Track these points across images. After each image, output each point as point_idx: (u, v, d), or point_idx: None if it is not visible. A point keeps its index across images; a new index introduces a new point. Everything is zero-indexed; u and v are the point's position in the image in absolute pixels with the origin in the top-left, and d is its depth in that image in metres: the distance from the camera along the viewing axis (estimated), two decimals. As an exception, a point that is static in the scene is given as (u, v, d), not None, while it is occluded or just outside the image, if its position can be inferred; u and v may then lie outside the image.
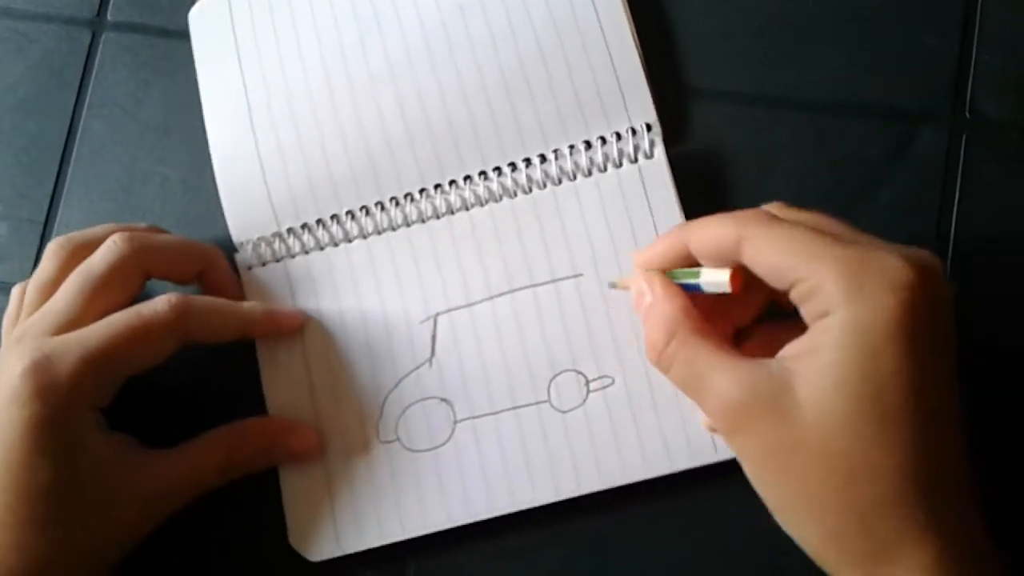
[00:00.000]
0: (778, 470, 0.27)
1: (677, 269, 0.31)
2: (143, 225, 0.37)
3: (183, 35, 0.40)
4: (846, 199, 0.36)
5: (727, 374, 0.27)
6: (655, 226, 0.35)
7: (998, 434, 0.33)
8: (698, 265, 0.30)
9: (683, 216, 0.35)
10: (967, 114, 0.36)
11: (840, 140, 0.37)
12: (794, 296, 0.27)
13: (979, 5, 0.37)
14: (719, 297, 0.30)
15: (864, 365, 0.25)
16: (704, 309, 0.30)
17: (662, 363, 0.29)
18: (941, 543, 0.25)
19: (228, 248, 0.38)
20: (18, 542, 0.30)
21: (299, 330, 0.36)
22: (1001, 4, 0.37)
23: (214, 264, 0.36)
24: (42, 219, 0.40)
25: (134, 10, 0.41)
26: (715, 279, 0.29)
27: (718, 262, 0.29)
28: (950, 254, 0.35)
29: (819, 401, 0.26)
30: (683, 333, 0.29)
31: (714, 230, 0.29)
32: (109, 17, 0.41)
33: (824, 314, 0.26)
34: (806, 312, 0.27)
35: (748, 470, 0.28)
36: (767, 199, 0.36)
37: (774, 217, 0.28)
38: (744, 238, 0.28)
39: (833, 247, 0.27)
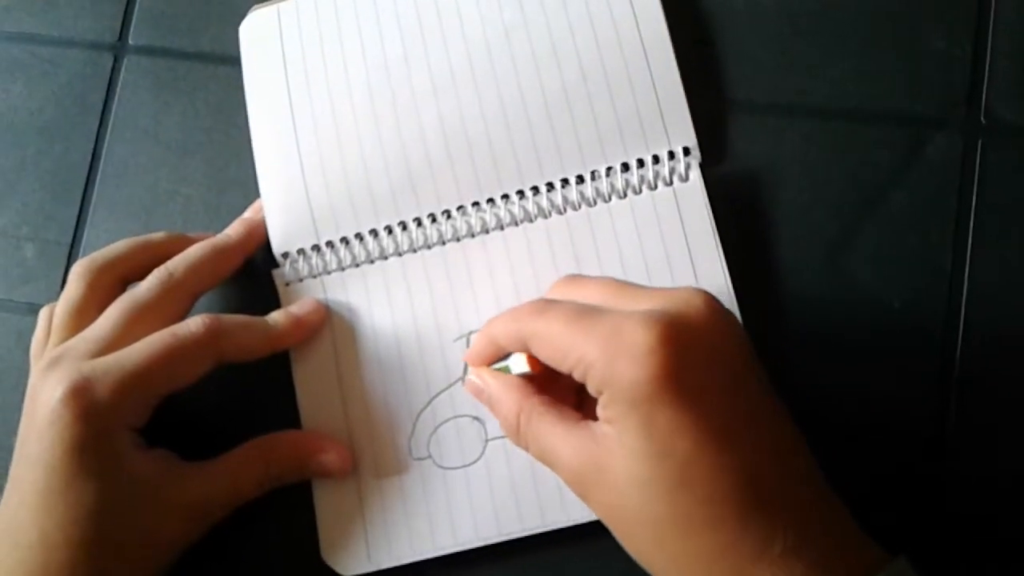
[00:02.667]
0: (618, 532, 0.27)
1: (495, 364, 0.32)
2: (162, 234, 0.37)
3: (203, 57, 0.40)
4: (860, 205, 0.36)
5: (566, 444, 0.28)
6: (689, 249, 0.35)
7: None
8: None
9: (718, 239, 0.34)
10: (982, 119, 0.36)
11: (853, 146, 0.36)
12: (576, 377, 0.28)
13: (992, 9, 0.37)
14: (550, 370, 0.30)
15: (644, 431, 0.26)
16: (544, 383, 0.30)
17: (520, 442, 0.30)
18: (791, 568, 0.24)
19: (262, 263, 0.38)
20: (69, 560, 0.30)
21: (324, 324, 0.36)
22: (1016, 8, 0.36)
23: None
24: (68, 240, 0.39)
25: (155, 34, 0.41)
26: (518, 366, 0.30)
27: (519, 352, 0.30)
28: (968, 261, 0.35)
29: (625, 468, 0.26)
30: (527, 410, 0.29)
31: (504, 328, 0.30)
32: (131, 41, 0.41)
33: (600, 391, 0.27)
34: (590, 389, 0.27)
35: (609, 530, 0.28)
36: (789, 215, 0.35)
37: (546, 305, 0.29)
38: (525, 335, 0.29)
39: (587, 327, 0.27)
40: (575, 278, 0.32)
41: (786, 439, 0.27)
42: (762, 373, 0.28)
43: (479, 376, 0.32)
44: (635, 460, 0.26)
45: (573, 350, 0.27)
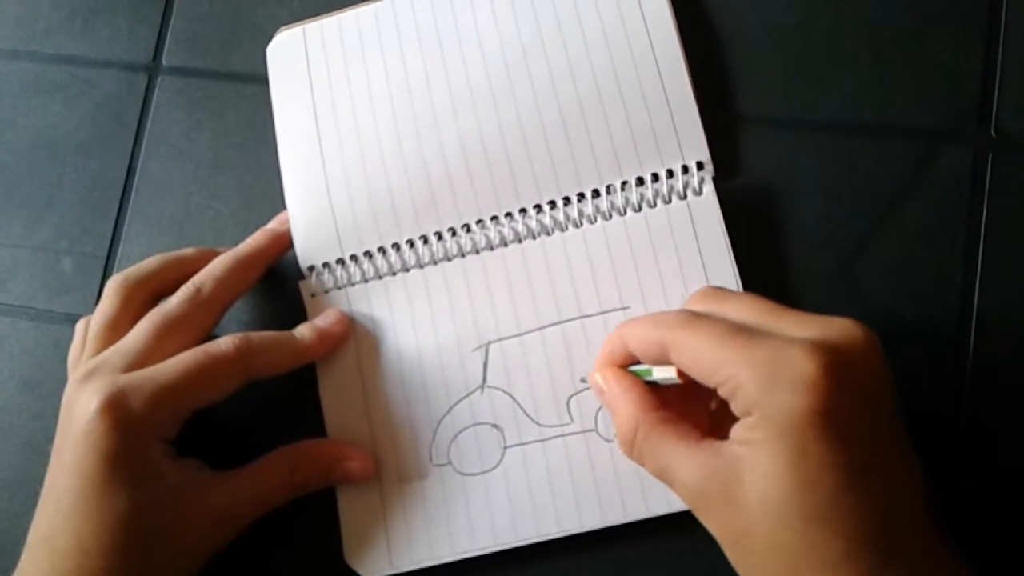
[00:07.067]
0: (739, 554, 0.26)
1: (634, 367, 0.30)
2: (193, 250, 0.37)
3: (233, 77, 0.40)
4: (871, 218, 0.35)
5: (688, 463, 0.27)
6: (703, 261, 0.34)
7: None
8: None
9: (731, 251, 0.34)
10: (992, 133, 0.35)
11: (865, 159, 0.36)
12: (721, 394, 0.27)
13: (1002, 24, 0.36)
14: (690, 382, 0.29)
15: (792, 460, 0.25)
16: (681, 391, 0.29)
17: (634, 457, 0.29)
18: None
19: (290, 275, 0.38)
20: (103, 566, 0.30)
21: (349, 335, 0.36)
22: (1025, 25, 0.36)
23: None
24: (104, 254, 0.40)
25: (187, 55, 0.41)
26: (665, 374, 0.29)
27: (655, 363, 0.29)
28: (978, 273, 0.34)
29: (761, 492, 0.25)
30: (645, 426, 0.28)
31: (644, 335, 0.29)
32: (164, 62, 0.41)
33: (748, 412, 0.26)
34: (734, 408, 0.26)
35: (723, 549, 0.27)
36: (802, 228, 0.35)
37: (694, 317, 0.28)
38: (668, 344, 0.28)
39: (745, 348, 0.26)
40: (718, 291, 0.30)
41: (919, 482, 0.26)
42: (899, 413, 0.27)
43: (604, 376, 0.30)
44: (775, 487, 0.25)
45: (724, 368, 0.26)
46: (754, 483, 0.25)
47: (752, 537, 0.25)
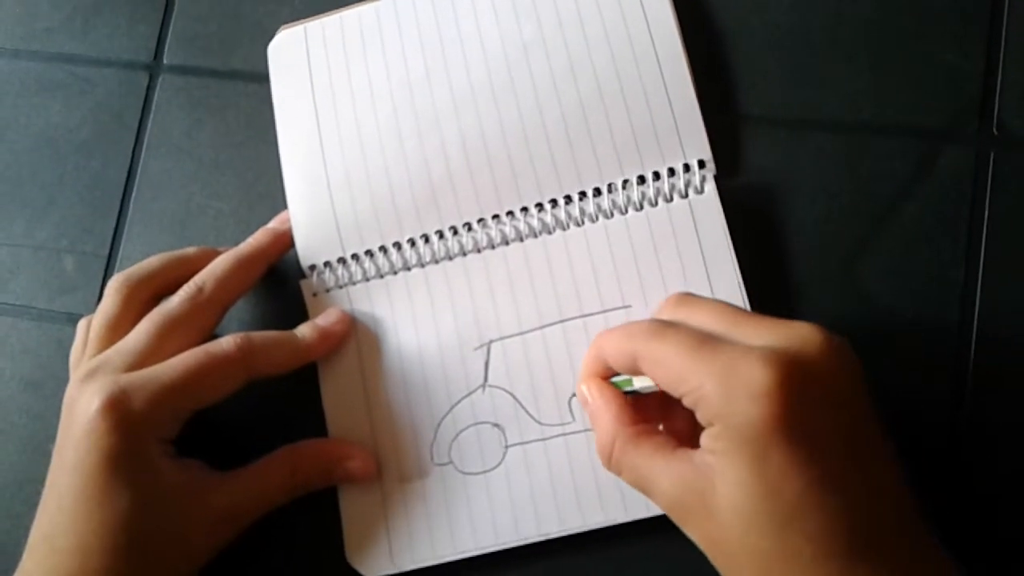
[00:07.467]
0: (719, 559, 0.27)
1: (616, 378, 0.31)
2: (194, 249, 0.37)
3: (234, 75, 0.40)
4: (872, 218, 0.35)
5: (664, 474, 0.27)
6: (704, 259, 0.34)
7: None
8: None
9: (732, 250, 0.34)
10: (994, 131, 0.35)
11: (866, 159, 0.36)
12: (686, 404, 0.27)
13: (1004, 22, 0.36)
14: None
15: (755, 467, 0.25)
16: (664, 398, 0.29)
17: (613, 469, 0.29)
18: None
19: (291, 274, 0.38)
20: (104, 565, 0.30)
21: (351, 335, 0.36)
22: (1027, 24, 0.36)
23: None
24: (105, 253, 0.40)
25: (188, 54, 0.41)
26: (644, 383, 0.29)
27: (631, 373, 0.29)
28: (980, 273, 0.34)
29: (730, 499, 0.25)
30: (621, 440, 0.29)
31: (617, 347, 0.29)
32: (165, 61, 0.41)
33: (711, 422, 0.26)
34: (699, 418, 0.27)
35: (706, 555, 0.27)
36: (803, 227, 0.35)
37: (662, 328, 0.28)
38: (638, 356, 0.28)
39: (706, 359, 0.26)
40: (687, 298, 0.30)
41: (896, 483, 0.26)
42: (876, 412, 0.27)
43: (588, 388, 0.31)
44: (743, 494, 0.25)
45: (689, 379, 0.26)
46: (724, 490, 0.25)
47: (727, 542, 0.26)
